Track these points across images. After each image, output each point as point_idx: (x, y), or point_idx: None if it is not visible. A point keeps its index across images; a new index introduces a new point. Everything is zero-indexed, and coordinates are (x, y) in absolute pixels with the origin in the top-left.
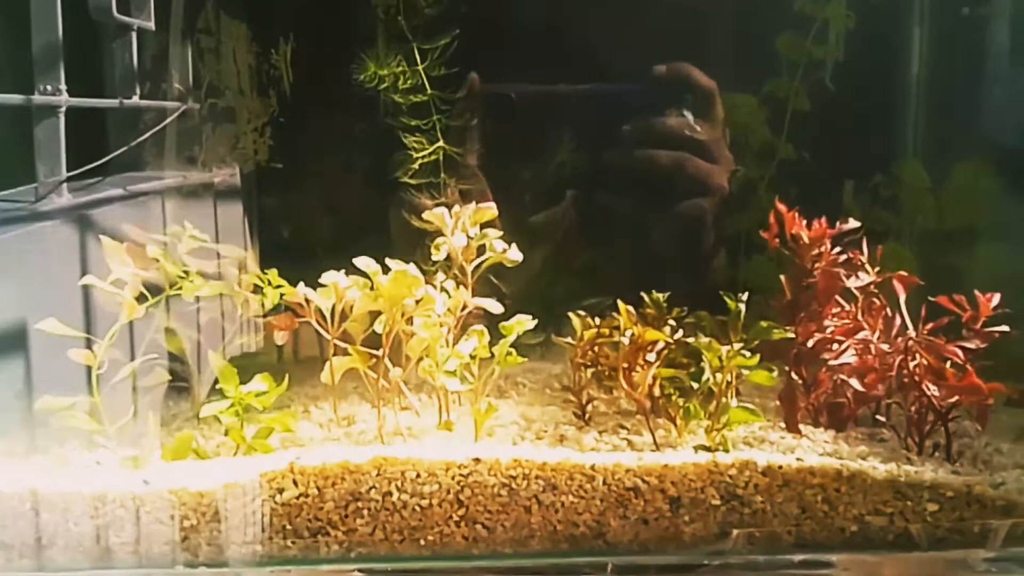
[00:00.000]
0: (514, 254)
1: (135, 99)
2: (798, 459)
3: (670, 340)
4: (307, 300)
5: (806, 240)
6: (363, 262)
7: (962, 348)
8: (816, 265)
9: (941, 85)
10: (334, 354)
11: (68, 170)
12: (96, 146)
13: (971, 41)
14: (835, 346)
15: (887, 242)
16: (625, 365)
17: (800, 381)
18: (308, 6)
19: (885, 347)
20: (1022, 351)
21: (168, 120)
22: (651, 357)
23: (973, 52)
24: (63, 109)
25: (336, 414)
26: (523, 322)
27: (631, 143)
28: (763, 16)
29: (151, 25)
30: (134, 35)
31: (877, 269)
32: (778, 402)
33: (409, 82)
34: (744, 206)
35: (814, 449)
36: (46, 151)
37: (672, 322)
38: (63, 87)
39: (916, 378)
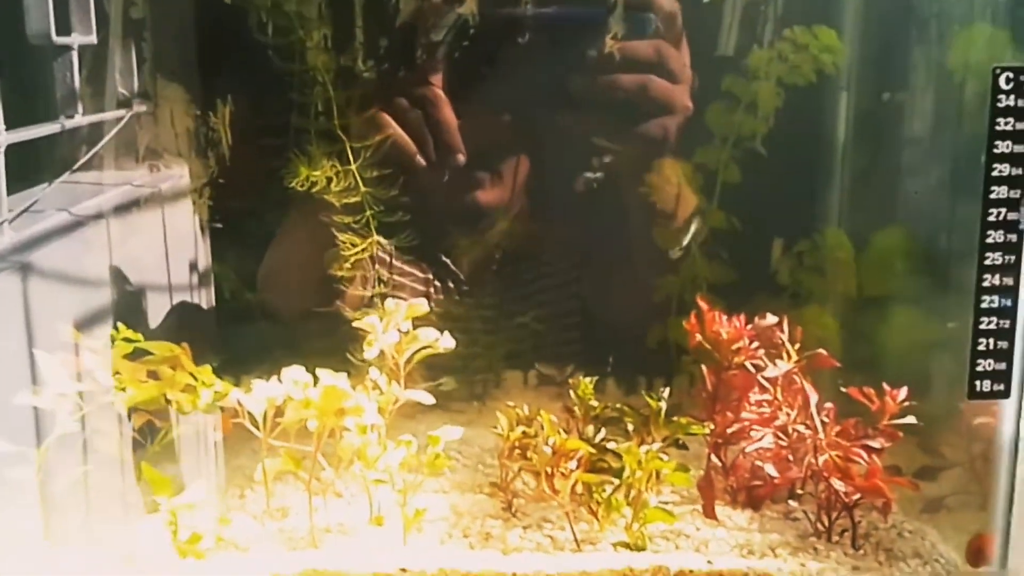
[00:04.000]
0: (446, 342)
1: (77, 117)
2: (708, 561)
3: (591, 450)
4: (239, 403)
5: (724, 337)
6: (293, 374)
7: (866, 448)
8: (735, 360)
9: (862, 158)
10: (266, 455)
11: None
12: (41, 168)
13: (891, 120)
14: (753, 433)
15: (811, 306)
16: (547, 470)
17: (720, 464)
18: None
19: (802, 428)
20: (938, 411)
21: (116, 129)
22: (572, 464)
23: (892, 129)
24: (2, 148)
25: (269, 506)
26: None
27: (594, 68)
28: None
29: (93, 39)
30: (75, 53)
31: (797, 346)
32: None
33: (342, 183)
34: (676, 269)
35: (727, 540)
36: None
37: (596, 421)
38: (1, 127)
39: (824, 473)
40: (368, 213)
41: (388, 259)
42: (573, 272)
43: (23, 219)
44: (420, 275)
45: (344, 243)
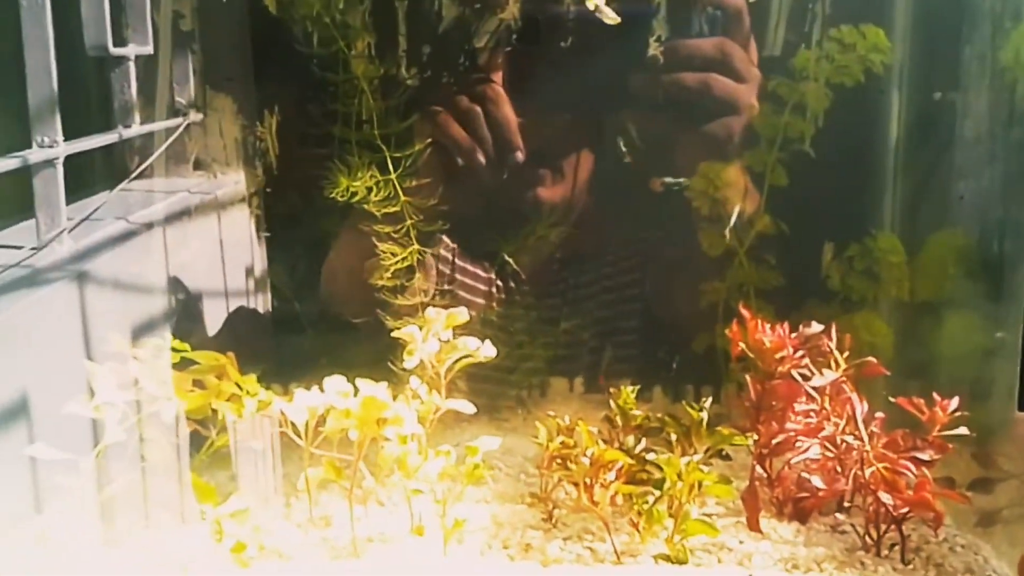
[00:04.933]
0: (487, 350)
1: (134, 127)
2: (751, 575)
3: (630, 460)
4: (282, 413)
5: (768, 346)
6: (333, 384)
7: (914, 460)
8: (779, 369)
9: (916, 160)
10: (309, 464)
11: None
12: (99, 176)
13: (944, 121)
14: (799, 444)
15: (862, 312)
16: (586, 480)
17: (765, 475)
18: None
19: (850, 439)
20: (994, 421)
21: (171, 139)
22: (611, 476)
23: (946, 131)
24: (60, 160)
25: (312, 515)
26: None
27: (655, 66)
28: None
29: (149, 50)
30: (131, 64)
31: (846, 355)
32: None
33: (382, 192)
34: (722, 276)
35: (771, 554)
36: (45, 202)
37: (636, 431)
38: (60, 138)
39: (871, 486)
40: (409, 221)
41: (451, 258)
42: (635, 273)
43: (83, 228)
44: (483, 275)
45: (384, 252)
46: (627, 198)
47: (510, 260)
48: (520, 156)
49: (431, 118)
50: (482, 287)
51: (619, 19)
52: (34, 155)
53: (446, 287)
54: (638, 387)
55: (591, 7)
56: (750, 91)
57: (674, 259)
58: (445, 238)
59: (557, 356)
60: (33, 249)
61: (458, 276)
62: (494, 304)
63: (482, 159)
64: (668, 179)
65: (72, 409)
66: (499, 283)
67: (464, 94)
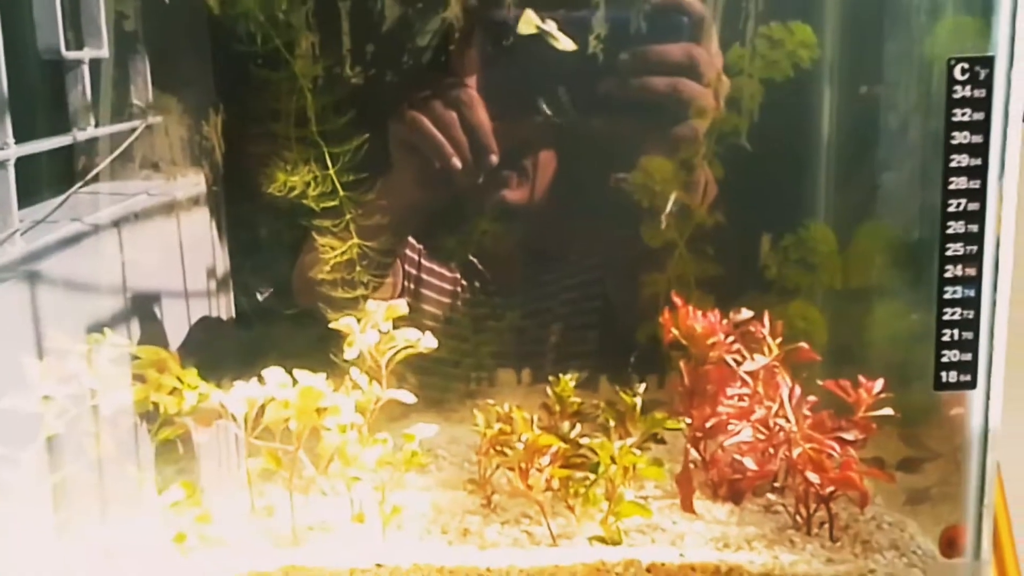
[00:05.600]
0: (428, 341)
1: (90, 129)
2: (681, 555)
3: (563, 444)
4: (222, 404)
5: (699, 332)
6: (273, 375)
7: (840, 440)
8: (711, 355)
9: (845, 153)
10: (250, 455)
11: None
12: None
13: (870, 114)
14: (731, 426)
15: (797, 299)
16: (522, 465)
17: (699, 458)
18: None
19: (782, 421)
20: (921, 402)
21: (129, 141)
22: (546, 460)
23: (872, 124)
24: (12, 161)
25: (254, 506)
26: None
27: (624, 70)
28: None
29: (104, 53)
30: (86, 67)
31: (779, 340)
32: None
33: (319, 188)
34: (662, 268)
35: (704, 534)
36: None
37: (573, 418)
38: (10, 140)
39: (799, 466)
40: (348, 217)
41: (417, 259)
42: (588, 268)
43: (37, 230)
44: (448, 275)
45: (324, 246)
46: (584, 195)
47: (474, 259)
48: (494, 159)
49: (404, 120)
50: (447, 285)
51: (575, 46)
52: None
53: (411, 285)
54: (583, 376)
55: (529, 31)
56: (715, 94)
57: (620, 251)
58: (411, 238)
59: (505, 349)
60: None
61: (423, 275)
62: (458, 301)
63: (458, 162)
64: (620, 175)
65: (8, 403)
66: (463, 281)
67: (438, 97)
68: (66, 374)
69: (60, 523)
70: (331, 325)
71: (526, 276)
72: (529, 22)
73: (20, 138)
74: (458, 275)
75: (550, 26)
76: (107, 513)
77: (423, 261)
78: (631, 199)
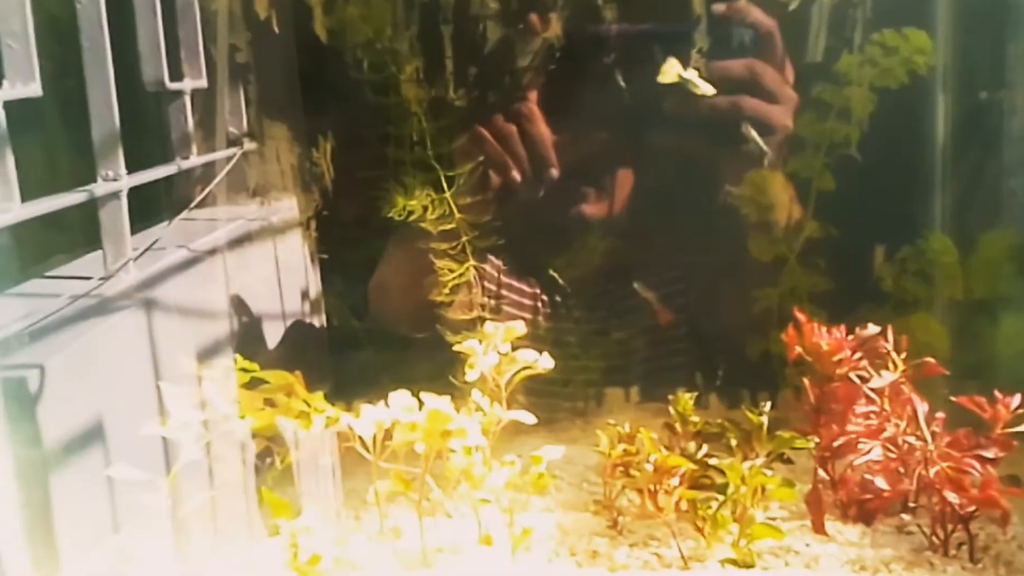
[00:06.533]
0: (545, 362)
1: (192, 158)
2: None
3: (692, 466)
4: (350, 428)
5: (825, 349)
6: (399, 399)
7: (979, 458)
8: (837, 372)
9: (964, 160)
10: (377, 477)
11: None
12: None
13: (991, 120)
14: (861, 445)
15: (917, 312)
16: (650, 487)
17: (827, 478)
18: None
19: (912, 439)
20: None
21: (228, 167)
22: (675, 481)
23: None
24: (124, 192)
25: (382, 528)
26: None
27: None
28: None
29: (203, 83)
30: (187, 98)
31: (903, 356)
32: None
33: (437, 211)
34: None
35: (839, 556)
36: (111, 233)
37: (696, 437)
38: (123, 171)
39: (936, 486)
40: (465, 239)
41: (496, 276)
42: (678, 285)
43: (146, 257)
44: (528, 291)
45: (442, 268)
46: (666, 211)
47: (555, 275)
48: (554, 173)
49: (471, 137)
50: (527, 302)
51: (714, 91)
52: (99, 188)
53: (492, 302)
54: (695, 394)
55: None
56: (783, 111)
57: (722, 267)
58: (490, 256)
59: (610, 367)
60: (101, 279)
61: (504, 292)
62: (540, 319)
63: (517, 176)
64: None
65: (149, 431)
66: (544, 298)
67: (499, 112)
68: (197, 399)
69: (189, 549)
70: (455, 348)
71: (627, 293)
72: (670, 72)
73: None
74: (538, 291)
75: (691, 74)
76: (233, 539)
77: (503, 278)
78: (734, 212)
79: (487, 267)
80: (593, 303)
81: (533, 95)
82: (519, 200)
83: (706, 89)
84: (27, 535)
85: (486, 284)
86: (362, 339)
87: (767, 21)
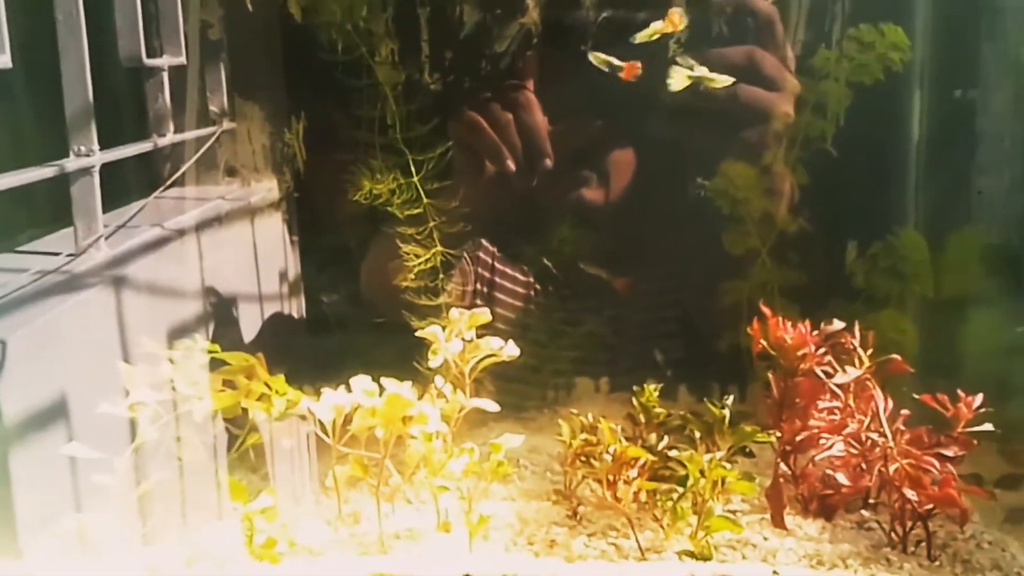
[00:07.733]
0: (510, 350)
1: (169, 135)
2: (774, 572)
3: (652, 457)
4: (310, 411)
5: (789, 343)
6: (360, 383)
7: (938, 456)
8: (801, 367)
9: (937, 157)
10: (337, 462)
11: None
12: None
13: (964, 118)
14: (823, 440)
15: (887, 309)
16: (609, 478)
17: (789, 472)
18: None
19: (875, 435)
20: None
21: (205, 147)
22: (634, 472)
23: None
24: (96, 168)
25: (340, 512)
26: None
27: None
28: None
29: (183, 60)
30: (165, 75)
31: (870, 352)
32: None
33: (404, 196)
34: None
35: (796, 550)
36: (82, 209)
37: (659, 429)
38: (95, 147)
39: (896, 482)
40: (432, 223)
41: (490, 261)
42: (665, 274)
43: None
44: (521, 277)
45: (408, 253)
46: (658, 201)
47: (548, 263)
48: (549, 162)
49: (463, 122)
50: (520, 289)
51: (732, 80)
52: (71, 163)
53: (483, 289)
54: (662, 386)
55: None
56: (783, 98)
57: (698, 259)
58: (484, 242)
59: (583, 357)
60: (70, 255)
61: (496, 279)
62: (531, 306)
63: (511, 164)
64: (699, 179)
65: (105, 409)
66: (537, 286)
67: (496, 100)
68: (158, 379)
69: (147, 529)
70: (418, 333)
71: (602, 283)
72: (680, 76)
73: (102, 144)
74: (532, 279)
75: (701, 70)
76: (190, 520)
77: (497, 265)
78: (711, 205)
79: (480, 253)
80: (581, 292)
81: (528, 82)
82: (506, 187)
83: (723, 80)
84: None
85: (479, 270)
86: (339, 321)
87: (767, 8)
